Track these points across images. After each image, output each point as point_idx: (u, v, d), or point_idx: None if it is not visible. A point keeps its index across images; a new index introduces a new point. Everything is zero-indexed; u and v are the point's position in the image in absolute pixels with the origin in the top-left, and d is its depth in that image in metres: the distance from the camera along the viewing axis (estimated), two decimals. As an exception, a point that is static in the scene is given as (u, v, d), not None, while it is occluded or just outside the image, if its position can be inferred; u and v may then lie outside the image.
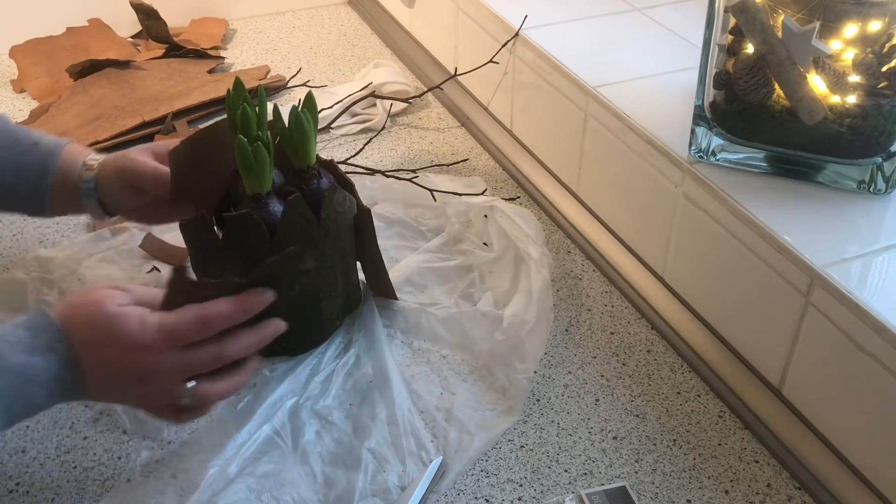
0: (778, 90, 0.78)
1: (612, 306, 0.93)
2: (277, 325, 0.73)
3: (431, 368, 0.84)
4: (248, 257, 0.78)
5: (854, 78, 0.75)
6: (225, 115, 0.82)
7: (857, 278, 0.71)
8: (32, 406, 0.66)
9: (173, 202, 0.82)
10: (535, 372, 0.84)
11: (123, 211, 0.87)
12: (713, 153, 0.83)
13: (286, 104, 1.22)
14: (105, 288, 0.69)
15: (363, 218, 0.85)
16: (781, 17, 0.75)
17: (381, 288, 0.90)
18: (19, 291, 0.91)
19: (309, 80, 1.31)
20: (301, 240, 0.79)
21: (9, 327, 0.66)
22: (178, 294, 0.68)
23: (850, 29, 0.73)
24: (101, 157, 0.86)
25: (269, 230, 0.77)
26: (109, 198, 0.85)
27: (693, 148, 0.84)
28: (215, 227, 0.80)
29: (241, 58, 1.40)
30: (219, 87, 1.25)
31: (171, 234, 0.97)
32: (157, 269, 0.94)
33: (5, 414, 0.64)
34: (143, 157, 0.84)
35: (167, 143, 0.84)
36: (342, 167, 0.89)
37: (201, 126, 1.21)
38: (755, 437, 0.79)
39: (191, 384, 0.69)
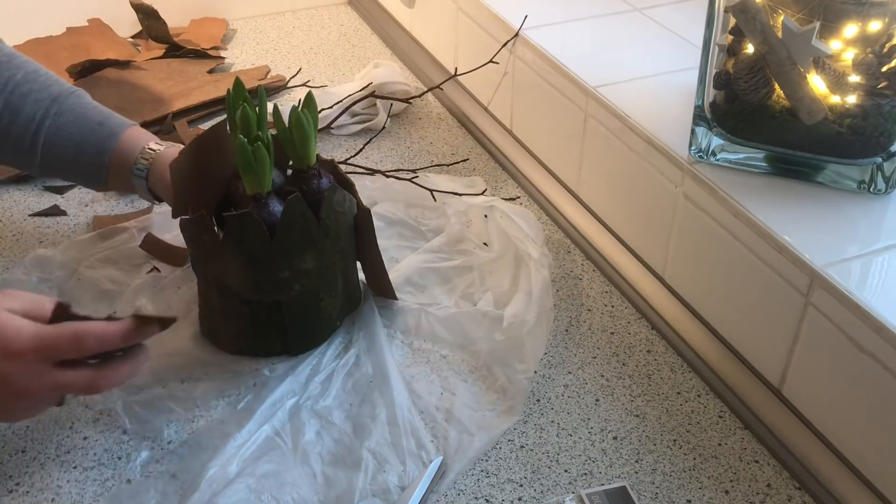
0: (778, 90, 0.78)
1: (612, 306, 0.93)
2: (146, 353, 0.71)
3: (431, 368, 0.84)
4: (247, 257, 0.79)
5: (854, 78, 0.75)
6: (224, 116, 0.82)
7: (857, 278, 0.71)
8: None
9: (174, 215, 0.83)
10: (535, 372, 0.84)
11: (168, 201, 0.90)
12: (713, 153, 0.83)
13: (286, 104, 1.22)
14: (2, 292, 0.68)
15: (363, 218, 0.85)
16: (781, 17, 0.75)
17: (381, 288, 0.90)
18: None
19: (309, 80, 1.31)
20: (301, 239, 0.79)
21: None
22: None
23: (850, 29, 0.73)
24: (160, 147, 0.90)
25: (269, 230, 0.77)
26: (158, 190, 0.90)
27: (693, 148, 0.84)
28: (215, 227, 0.80)
29: (241, 58, 1.40)
30: (219, 87, 1.25)
31: (172, 235, 0.97)
32: (157, 269, 0.94)
33: None
34: None
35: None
36: (342, 167, 0.89)
37: (201, 126, 1.21)
38: (755, 437, 0.79)
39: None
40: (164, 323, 0.69)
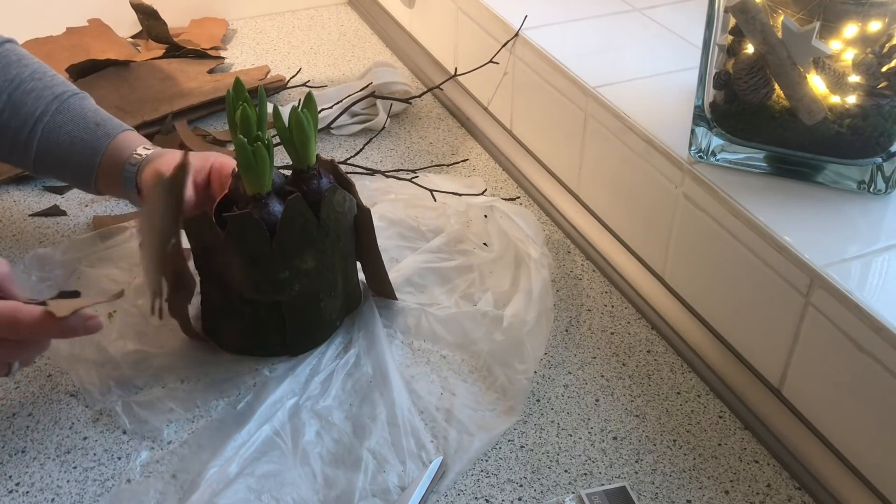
0: (778, 90, 0.78)
1: (612, 306, 0.93)
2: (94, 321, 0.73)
3: (431, 368, 0.84)
4: (248, 257, 0.78)
5: (854, 78, 0.75)
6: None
7: (857, 278, 0.71)
8: None
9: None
10: (535, 372, 0.84)
11: None
12: (713, 153, 0.83)
13: (286, 104, 1.22)
14: None
15: (363, 218, 0.85)
16: (781, 18, 0.75)
17: (381, 288, 0.90)
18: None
19: (309, 80, 1.31)
20: (301, 240, 0.79)
21: None
22: None
23: (850, 29, 0.73)
24: (151, 150, 0.89)
25: (269, 230, 0.77)
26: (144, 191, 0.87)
27: (693, 148, 0.84)
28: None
29: (241, 58, 1.40)
30: (219, 87, 1.25)
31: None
32: (157, 269, 0.94)
33: None
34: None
35: (215, 161, 0.86)
36: (342, 167, 0.89)
37: (200, 126, 1.21)
38: (755, 437, 0.79)
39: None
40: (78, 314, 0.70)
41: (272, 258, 0.79)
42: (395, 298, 0.90)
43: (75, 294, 0.73)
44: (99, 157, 0.89)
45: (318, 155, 0.82)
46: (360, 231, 0.86)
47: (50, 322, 0.70)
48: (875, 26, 0.73)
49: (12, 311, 0.69)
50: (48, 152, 0.91)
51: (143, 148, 0.89)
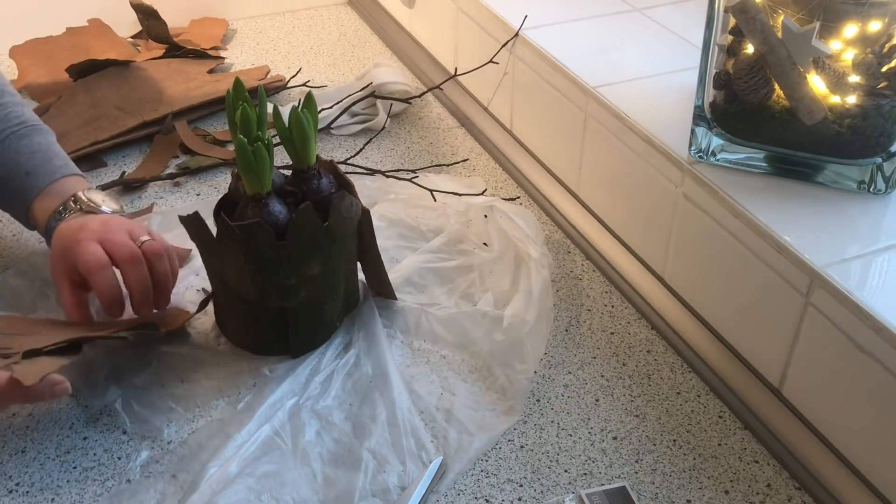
0: (778, 90, 0.79)
1: (612, 306, 0.93)
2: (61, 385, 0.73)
3: (431, 368, 0.84)
4: (254, 265, 0.78)
5: (854, 78, 0.75)
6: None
7: (857, 278, 0.71)
8: None
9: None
10: (535, 372, 0.84)
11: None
12: (713, 153, 0.83)
13: (286, 104, 1.22)
14: None
15: (363, 218, 0.85)
16: (781, 18, 0.75)
17: (381, 288, 0.90)
18: (19, 291, 0.91)
19: (309, 80, 1.31)
20: (308, 246, 0.79)
21: None
22: None
23: (850, 29, 0.73)
24: (73, 208, 0.88)
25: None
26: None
27: (693, 148, 0.84)
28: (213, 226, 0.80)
29: (241, 58, 1.40)
30: (219, 87, 1.25)
31: (172, 234, 0.96)
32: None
33: None
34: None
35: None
36: (342, 167, 0.89)
37: (200, 127, 1.21)
38: (755, 437, 0.79)
39: None
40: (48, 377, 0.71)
41: (280, 265, 0.78)
42: (395, 298, 0.90)
43: (37, 353, 0.73)
44: (25, 209, 0.90)
45: (317, 155, 0.82)
46: (360, 231, 0.86)
47: (16, 389, 0.70)
48: (875, 26, 0.73)
49: None
50: None
51: (62, 207, 0.88)
